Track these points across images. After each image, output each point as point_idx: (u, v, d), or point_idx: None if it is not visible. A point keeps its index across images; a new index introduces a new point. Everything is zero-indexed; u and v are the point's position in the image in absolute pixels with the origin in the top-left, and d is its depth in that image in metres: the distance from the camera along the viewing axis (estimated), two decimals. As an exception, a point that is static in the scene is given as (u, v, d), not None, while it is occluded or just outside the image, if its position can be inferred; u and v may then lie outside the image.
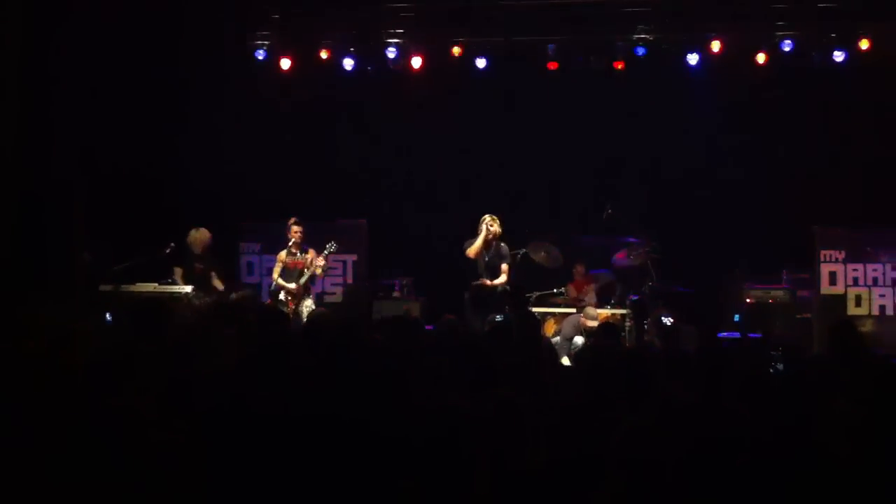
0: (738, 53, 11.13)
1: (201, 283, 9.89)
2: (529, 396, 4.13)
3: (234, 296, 9.56)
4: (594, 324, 9.68)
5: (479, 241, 9.69)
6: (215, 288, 9.97)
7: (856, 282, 10.80)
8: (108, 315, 9.17)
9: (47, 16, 10.13)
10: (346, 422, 3.52)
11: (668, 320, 9.90)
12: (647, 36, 11.13)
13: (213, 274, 10.08)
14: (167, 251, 9.98)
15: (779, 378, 5.32)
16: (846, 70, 10.99)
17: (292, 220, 10.06)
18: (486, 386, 4.32)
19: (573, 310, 10.70)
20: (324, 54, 11.54)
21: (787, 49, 10.92)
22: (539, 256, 10.72)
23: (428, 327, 7.37)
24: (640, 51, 11.11)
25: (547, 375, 5.25)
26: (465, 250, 9.73)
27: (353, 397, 3.87)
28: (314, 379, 4.36)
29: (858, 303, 10.75)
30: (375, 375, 4.03)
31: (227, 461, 3.67)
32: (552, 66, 11.46)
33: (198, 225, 10.28)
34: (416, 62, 11.44)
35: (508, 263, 9.82)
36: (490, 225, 9.70)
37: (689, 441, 3.68)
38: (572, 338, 10.03)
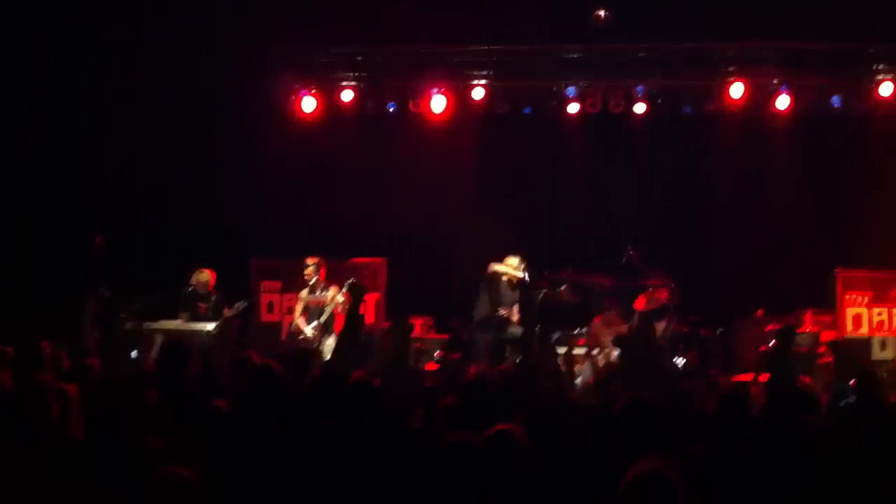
0: (759, 97, 11.16)
1: (208, 321, 9.99)
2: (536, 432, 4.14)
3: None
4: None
5: (510, 272, 9.77)
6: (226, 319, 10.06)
7: (880, 326, 10.67)
8: (133, 352, 9.28)
9: (73, 48, 10.39)
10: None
11: (680, 361, 9.84)
12: (666, 80, 11.23)
13: (223, 308, 10.09)
14: (189, 289, 10.09)
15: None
16: (868, 114, 10.99)
17: (307, 261, 10.16)
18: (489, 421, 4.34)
19: (595, 350, 10.64)
20: (345, 96, 11.73)
21: (807, 93, 10.99)
22: (560, 290, 10.67)
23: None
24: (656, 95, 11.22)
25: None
26: (493, 266, 9.81)
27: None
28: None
29: (883, 347, 10.60)
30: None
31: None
32: (574, 109, 11.57)
33: (221, 262, 10.42)
34: (438, 104, 11.59)
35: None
36: (516, 269, 9.81)
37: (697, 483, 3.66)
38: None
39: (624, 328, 10.97)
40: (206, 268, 10.13)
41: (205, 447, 4.01)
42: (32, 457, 3.81)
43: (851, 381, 6.07)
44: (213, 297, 10.08)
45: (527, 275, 9.86)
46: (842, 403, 5.55)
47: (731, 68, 11.12)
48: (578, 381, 10.05)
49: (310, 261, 10.09)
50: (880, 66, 10.89)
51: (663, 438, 4.46)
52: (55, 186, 10.45)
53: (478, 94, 11.55)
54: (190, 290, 10.05)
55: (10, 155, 10.16)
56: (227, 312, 9.97)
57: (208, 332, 9.79)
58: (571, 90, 11.47)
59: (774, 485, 3.95)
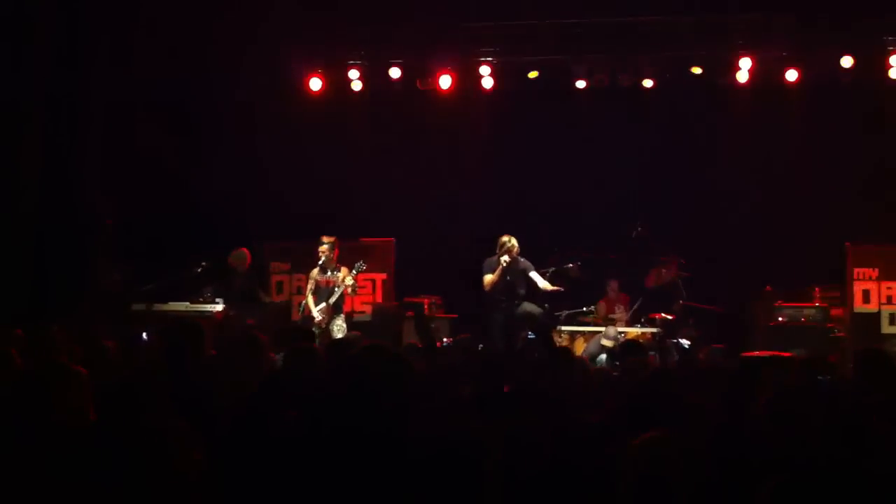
0: (769, 69, 11.08)
1: (244, 300, 10.19)
2: (547, 416, 4.13)
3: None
4: (610, 343, 9.76)
5: (496, 274, 9.76)
6: (261, 300, 10.53)
7: (889, 300, 10.65)
8: (143, 335, 9.31)
9: (76, 40, 10.35)
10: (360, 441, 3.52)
11: (685, 342, 9.85)
12: (677, 54, 11.15)
13: (258, 289, 10.57)
14: (199, 270, 10.11)
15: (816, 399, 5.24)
16: (877, 86, 10.92)
17: (323, 239, 10.18)
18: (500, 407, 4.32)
19: (603, 328, 10.66)
20: (352, 74, 11.67)
21: (817, 65, 10.92)
22: (569, 270, 10.64)
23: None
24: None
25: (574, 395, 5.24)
26: (483, 282, 9.83)
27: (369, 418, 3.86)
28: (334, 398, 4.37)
29: (892, 321, 10.60)
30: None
31: (246, 483, 3.68)
32: (582, 84, 11.50)
33: (230, 243, 10.48)
34: (445, 82, 11.54)
35: (534, 269, 9.90)
36: (510, 250, 9.77)
37: (712, 458, 3.63)
38: (596, 356, 9.99)
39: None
40: (242, 247, 10.40)
41: (207, 436, 3.95)
42: (48, 443, 3.79)
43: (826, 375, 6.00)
44: (250, 277, 10.37)
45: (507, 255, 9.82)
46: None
47: (739, 41, 11.03)
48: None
49: (326, 239, 10.09)
50: (891, 38, 10.80)
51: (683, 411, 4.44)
52: (58, 175, 10.42)
53: (485, 71, 11.47)
54: (239, 273, 10.25)
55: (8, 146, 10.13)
56: (265, 297, 10.52)
57: (218, 311, 9.83)
58: (579, 65, 11.39)
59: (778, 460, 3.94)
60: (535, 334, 9.57)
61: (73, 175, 10.50)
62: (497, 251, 9.93)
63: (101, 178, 10.74)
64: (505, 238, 9.90)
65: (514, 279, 9.88)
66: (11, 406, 4.09)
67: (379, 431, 3.48)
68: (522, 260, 9.95)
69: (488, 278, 9.88)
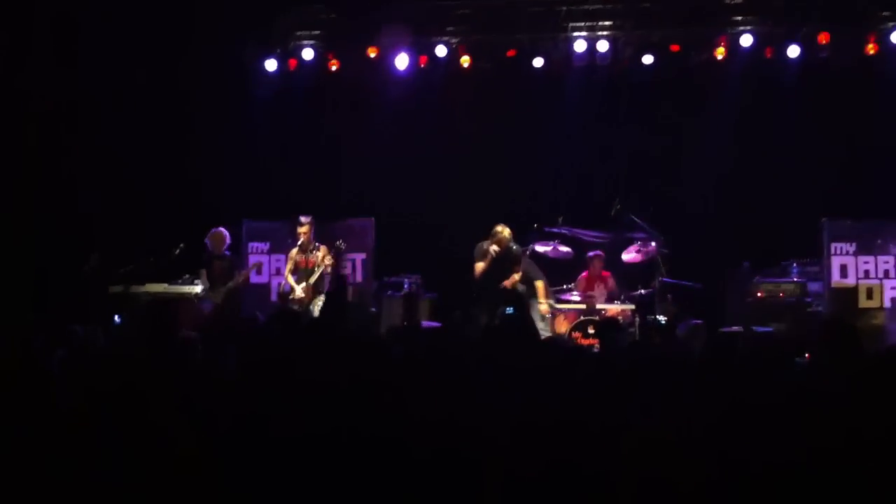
0: (747, 48, 11.09)
1: (223, 281, 10.17)
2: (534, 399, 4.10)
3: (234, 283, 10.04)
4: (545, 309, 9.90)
5: (486, 263, 9.73)
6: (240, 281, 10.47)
7: (867, 274, 10.71)
8: (116, 317, 9.27)
9: (60, 22, 10.25)
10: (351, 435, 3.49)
11: (662, 319, 9.89)
12: (658, 31, 11.14)
13: (235, 271, 10.48)
14: (177, 252, 10.05)
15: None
16: (855, 62, 10.95)
17: (301, 219, 10.14)
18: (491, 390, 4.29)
19: (583, 306, 10.71)
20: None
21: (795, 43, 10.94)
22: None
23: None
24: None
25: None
26: (474, 269, 9.79)
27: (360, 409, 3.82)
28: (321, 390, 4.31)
29: (870, 295, 10.66)
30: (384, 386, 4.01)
31: (240, 476, 3.66)
32: (560, 62, 11.48)
33: (208, 225, 10.44)
34: (422, 61, 11.50)
35: (521, 268, 9.88)
36: (500, 241, 9.73)
37: (709, 457, 3.61)
38: None
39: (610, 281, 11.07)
40: (217, 228, 10.35)
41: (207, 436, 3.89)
42: (48, 441, 3.72)
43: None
44: (228, 257, 10.35)
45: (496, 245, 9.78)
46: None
47: (716, 19, 11.03)
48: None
49: (304, 219, 10.09)
50: (869, 15, 10.83)
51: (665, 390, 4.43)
52: (43, 157, 10.34)
53: (462, 49, 11.42)
54: (216, 254, 10.27)
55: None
56: (240, 279, 10.30)
57: (196, 294, 9.79)
58: (557, 43, 11.35)
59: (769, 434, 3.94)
60: (512, 310, 9.56)
61: (73, 174, 10.46)
62: (490, 239, 9.89)
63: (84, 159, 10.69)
64: (499, 227, 9.86)
65: (504, 269, 9.87)
66: (11, 405, 4.05)
67: (379, 431, 3.45)
68: (515, 247, 9.93)
69: (479, 266, 9.84)
